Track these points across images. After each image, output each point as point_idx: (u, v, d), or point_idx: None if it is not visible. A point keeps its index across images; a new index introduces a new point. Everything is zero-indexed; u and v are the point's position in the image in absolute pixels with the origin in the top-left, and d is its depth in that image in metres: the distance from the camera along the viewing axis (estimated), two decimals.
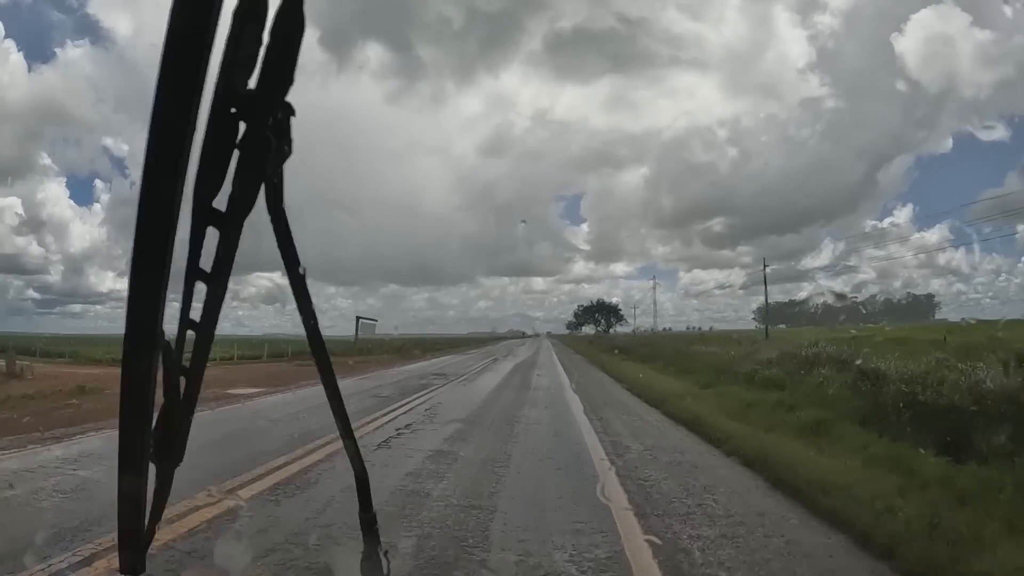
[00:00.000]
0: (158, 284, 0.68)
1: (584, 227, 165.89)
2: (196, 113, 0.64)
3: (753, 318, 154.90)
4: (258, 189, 0.76)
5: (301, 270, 0.85)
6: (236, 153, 0.72)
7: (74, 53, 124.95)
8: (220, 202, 0.74)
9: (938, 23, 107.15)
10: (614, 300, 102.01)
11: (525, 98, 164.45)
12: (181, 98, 0.62)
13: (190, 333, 0.78)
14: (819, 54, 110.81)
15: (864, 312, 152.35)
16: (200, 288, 0.77)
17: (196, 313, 0.79)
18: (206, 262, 0.75)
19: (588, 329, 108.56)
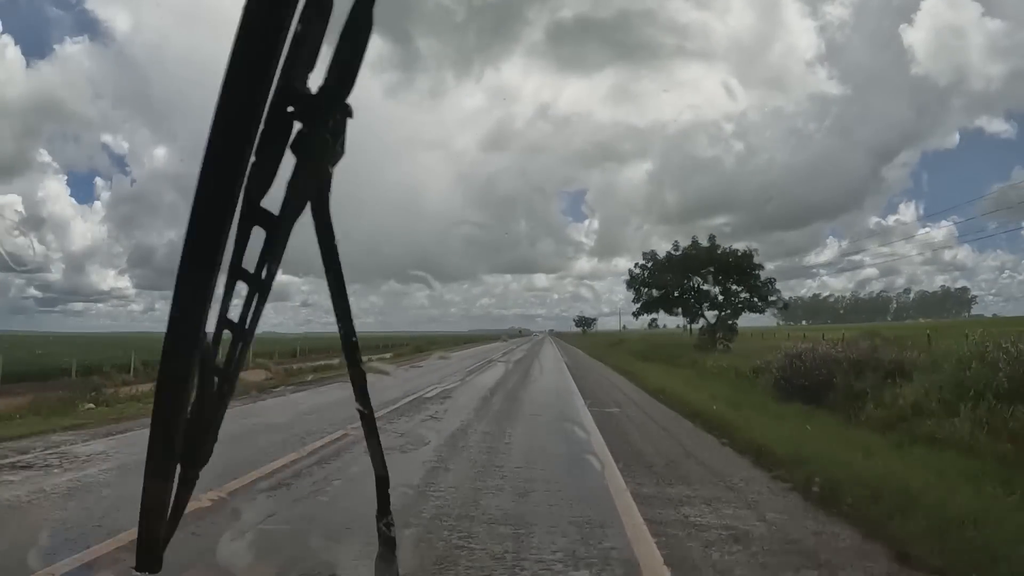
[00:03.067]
0: (206, 284, 0.68)
1: (587, 223, 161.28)
2: (262, 111, 0.64)
3: (772, 314, 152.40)
4: (312, 191, 0.75)
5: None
6: (287, 153, 0.72)
7: (73, 49, 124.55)
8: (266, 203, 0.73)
9: (948, 13, 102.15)
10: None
11: (527, 91, 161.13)
12: (249, 96, 0.63)
13: (227, 333, 0.77)
14: (828, 46, 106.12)
15: (895, 307, 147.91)
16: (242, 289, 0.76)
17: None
18: (250, 263, 0.75)
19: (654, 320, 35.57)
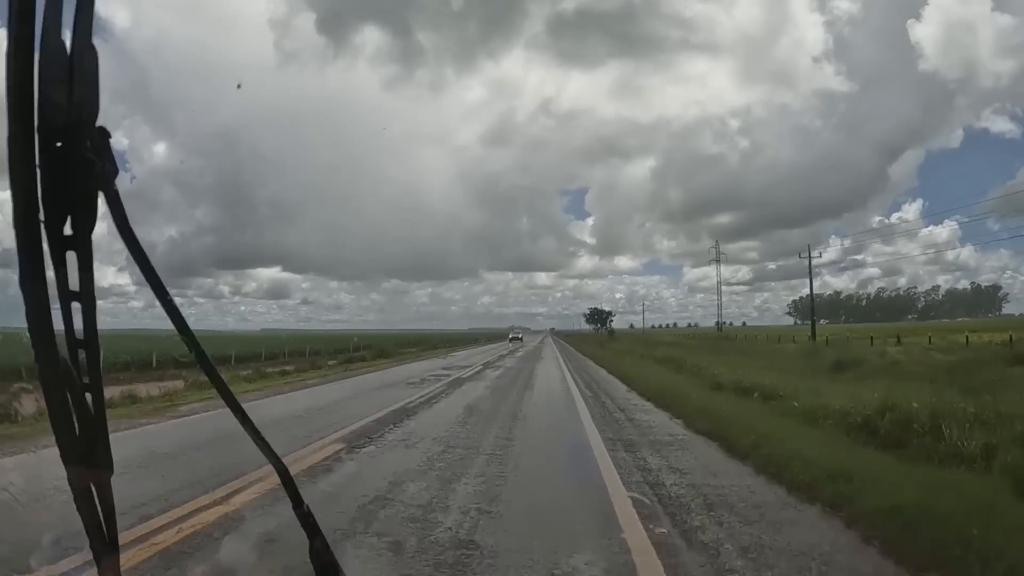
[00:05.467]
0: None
1: (589, 221, 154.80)
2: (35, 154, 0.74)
3: (788, 312, 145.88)
4: (96, 208, 0.82)
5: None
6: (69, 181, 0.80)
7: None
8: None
9: (957, 8, 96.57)
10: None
11: (529, 85, 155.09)
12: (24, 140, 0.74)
13: (82, 352, 0.86)
14: (835, 41, 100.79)
15: (922, 305, 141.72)
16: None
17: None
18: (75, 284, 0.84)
19: None
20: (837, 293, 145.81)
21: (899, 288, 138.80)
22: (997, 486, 4.48)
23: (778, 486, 4.82)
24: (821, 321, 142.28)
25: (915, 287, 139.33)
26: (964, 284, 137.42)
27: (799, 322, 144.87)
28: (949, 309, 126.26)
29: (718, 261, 62.95)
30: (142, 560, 3.11)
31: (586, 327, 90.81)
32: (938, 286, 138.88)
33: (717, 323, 61.94)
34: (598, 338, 65.05)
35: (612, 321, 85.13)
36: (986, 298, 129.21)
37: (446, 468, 5.37)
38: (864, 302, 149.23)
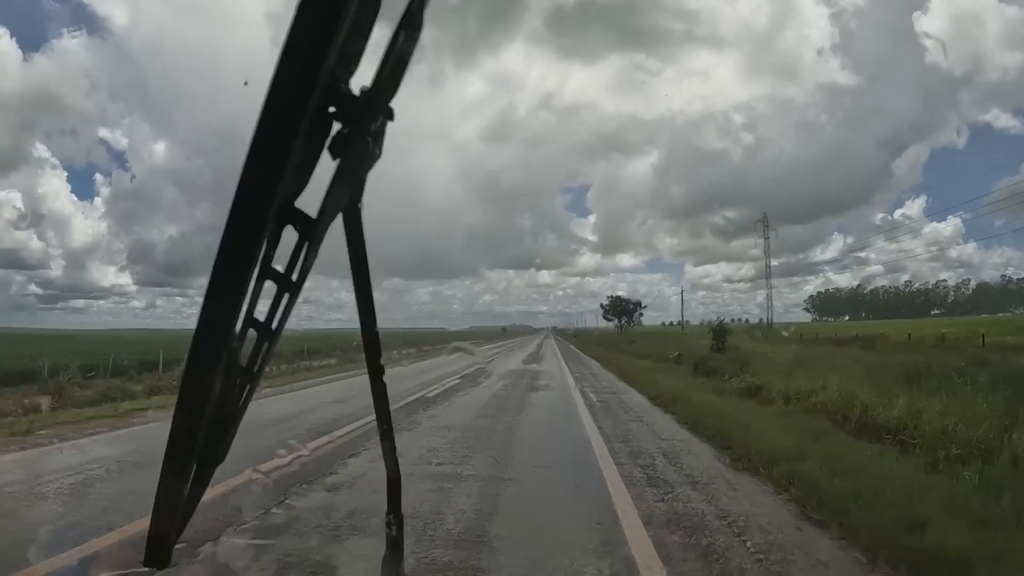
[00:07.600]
0: (239, 283, 0.67)
1: (590, 219, 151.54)
2: (306, 110, 0.62)
3: (805, 308, 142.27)
4: (349, 193, 0.75)
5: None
6: (324, 155, 0.69)
7: (70, 43, 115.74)
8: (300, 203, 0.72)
9: (963, 1, 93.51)
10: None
11: (530, 80, 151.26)
12: (295, 93, 0.62)
13: (252, 333, 0.72)
14: (841, 34, 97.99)
15: (952, 300, 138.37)
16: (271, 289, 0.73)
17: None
18: (280, 262, 0.72)
19: None
20: (860, 287, 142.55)
21: (926, 282, 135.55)
22: None
23: None
24: (844, 317, 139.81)
25: (945, 281, 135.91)
26: (993, 278, 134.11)
27: (817, 318, 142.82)
28: (979, 304, 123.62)
29: (766, 239, 56.74)
30: None
31: (602, 324, 66.63)
32: (968, 280, 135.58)
33: (768, 321, 55.83)
34: (656, 346, 28.92)
35: (641, 314, 60.97)
36: (1016, 293, 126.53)
37: None
38: (888, 298, 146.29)
